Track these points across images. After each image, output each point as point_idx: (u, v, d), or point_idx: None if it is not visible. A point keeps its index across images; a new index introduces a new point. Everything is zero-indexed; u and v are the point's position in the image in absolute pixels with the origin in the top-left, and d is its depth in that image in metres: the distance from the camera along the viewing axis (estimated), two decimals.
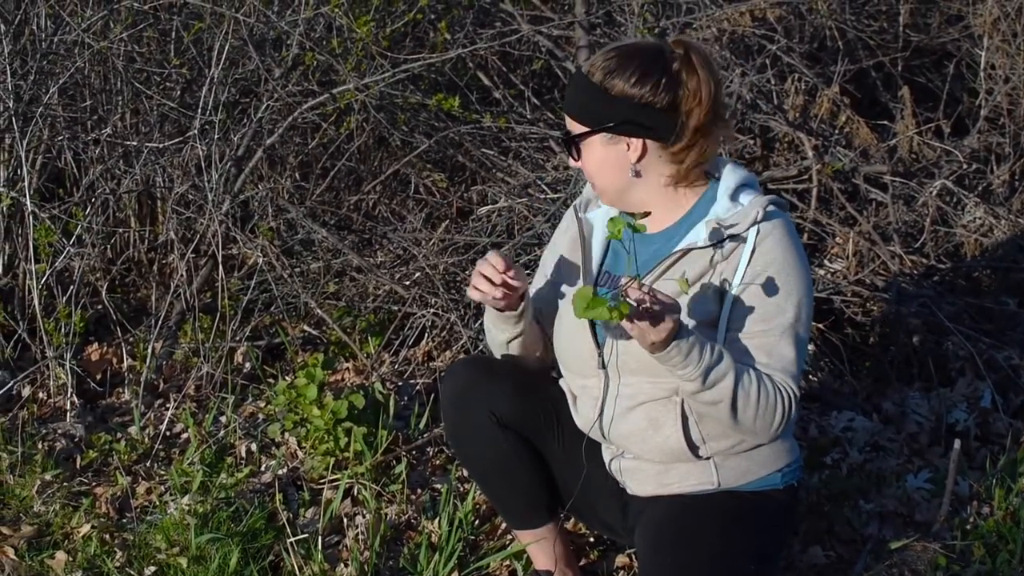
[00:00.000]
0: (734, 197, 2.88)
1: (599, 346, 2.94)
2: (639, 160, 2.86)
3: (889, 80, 5.35)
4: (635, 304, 2.60)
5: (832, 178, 4.55)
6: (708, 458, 2.93)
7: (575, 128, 2.90)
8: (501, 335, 3.07)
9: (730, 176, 2.91)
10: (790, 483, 3.00)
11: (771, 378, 2.78)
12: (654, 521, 2.95)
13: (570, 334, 3.01)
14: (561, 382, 3.11)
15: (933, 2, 5.57)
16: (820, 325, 4.33)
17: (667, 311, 2.63)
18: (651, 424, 2.91)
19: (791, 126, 4.67)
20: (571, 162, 2.95)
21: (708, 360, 2.71)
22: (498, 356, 3.16)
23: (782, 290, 2.81)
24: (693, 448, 2.91)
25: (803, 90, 4.90)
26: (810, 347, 4.26)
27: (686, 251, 2.84)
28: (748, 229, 2.82)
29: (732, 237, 2.82)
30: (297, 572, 3.28)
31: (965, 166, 4.76)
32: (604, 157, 2.89)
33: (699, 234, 2.86)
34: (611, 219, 2.67)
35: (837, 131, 4.85)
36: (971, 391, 4.21)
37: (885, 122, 5.04)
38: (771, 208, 2.85)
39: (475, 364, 3.23)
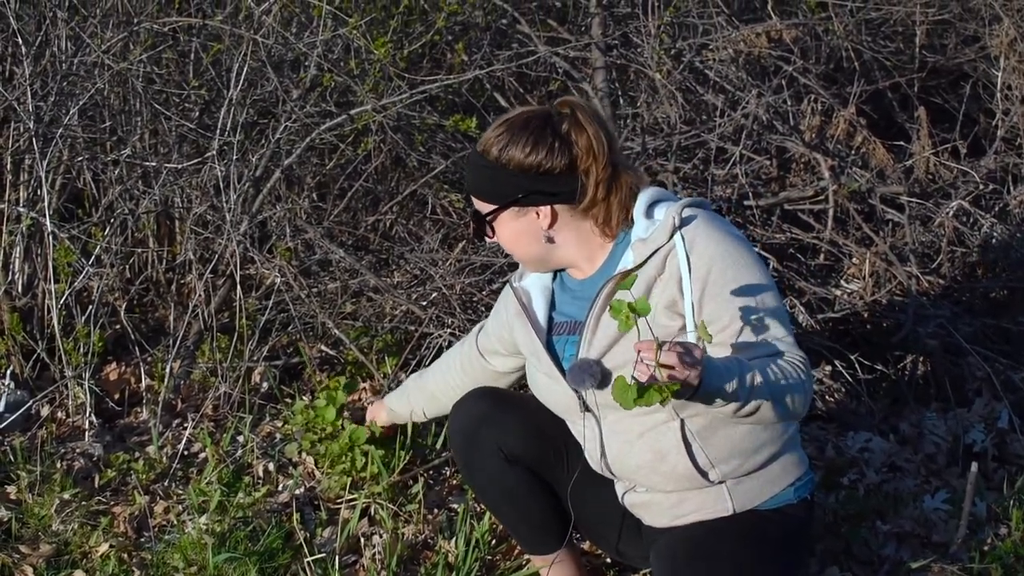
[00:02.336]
0: (649, 214, 2.89)
1: (576, 390, 2.95)
2: (551, 226, 2.89)
3: (905, 101, 5.35)
4: (673, 368, 2.51)
5: (848, 199, 4.55)
6: (720, 483, 2.92)
7: (483, 208, 2.92)
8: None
9: (641, 198, 2.91)
10: (803, 497, 2.99)
11: (780, 358, 2.73)
12: (670, 546, 2.95)
13: (547, 387, 3.04)
14: None
15: (949, 23, 5.57)
16: (837, 345, 4.32)
17: (692, 347, 2.57)
18: (656, 455, 2.90)
19: (807, 147, 4.67)
20: (486, 240, 2.96)
21: (735, 374, 2.64)
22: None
23: (737, 279, 2.78)
24: (703, 473, 2.90)
25: (819, 111, 4.90)
26: (827, 368, 4.26)
27: (621, 275, 2.81)
28: (671, 239, 2.81)
29: (658, 250, 2.81)
30: None
31: (982, 187, 4.76)
32: (516, 230, 2.91)
33: (627, 259, 2.86)
34: (611, 308, 2.56)
35: (853, 152, 4.84)
36: (988, 412, 4.20)
37: (901, 143, 5.04)
38: (687, 212, 2.84)
39: (484, 397, 3.20)
